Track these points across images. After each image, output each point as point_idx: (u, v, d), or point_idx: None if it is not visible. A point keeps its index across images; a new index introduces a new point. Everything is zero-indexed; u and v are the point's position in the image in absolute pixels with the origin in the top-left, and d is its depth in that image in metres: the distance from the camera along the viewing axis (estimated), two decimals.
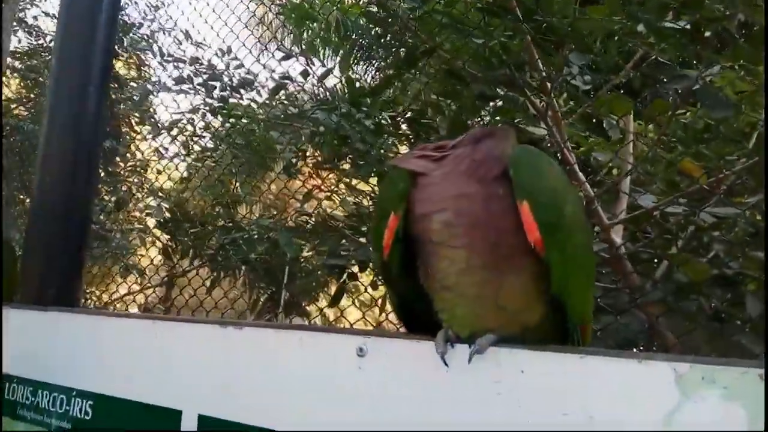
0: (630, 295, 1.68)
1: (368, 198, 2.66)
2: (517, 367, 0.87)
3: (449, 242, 0.86)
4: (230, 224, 3.04)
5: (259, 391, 1.13)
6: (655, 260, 2.04)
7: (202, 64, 3.44)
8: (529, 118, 2.20)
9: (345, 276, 2.45)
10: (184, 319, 1.32)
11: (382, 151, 2.83)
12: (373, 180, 2.80)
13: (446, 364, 0.92)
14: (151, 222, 4.04)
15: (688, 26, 1.41)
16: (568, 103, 2.38)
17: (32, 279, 1.75)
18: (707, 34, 1.43)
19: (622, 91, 2.30)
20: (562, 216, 0.84)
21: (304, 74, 2.91)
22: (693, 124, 2.08)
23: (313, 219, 2.79)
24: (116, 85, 3.94)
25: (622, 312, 1.67)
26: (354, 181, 2.93)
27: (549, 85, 1.75)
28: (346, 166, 2.91)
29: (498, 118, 2.00)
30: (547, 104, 1.76)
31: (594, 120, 2.33)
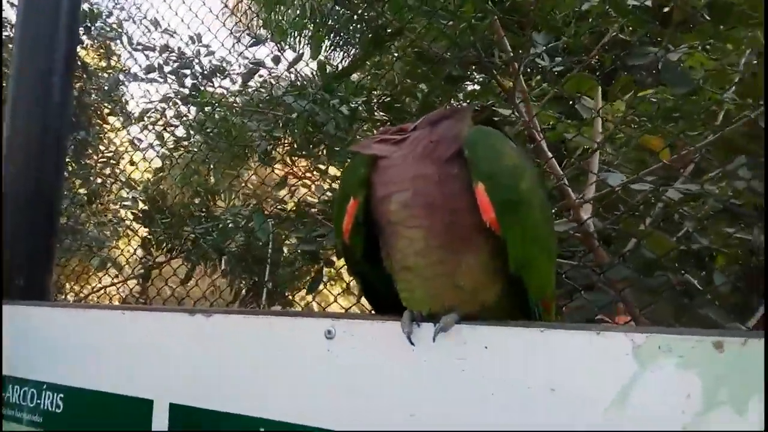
0: (598, 272, 1.70)
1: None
2: (481, 343, 0.88)
3: (407, 223, 0.87)
4: (204, 214, 3.01)
5: (229, 378, 1.13)
6: (623, 238, 2.06)
7: (172, 52, 3.39)
8: (500, 99, 2.20)
9: (321, 263, 2.45)
10: (153, 308, 1.31)
11: (357, 137, 2.82)
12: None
13: (412, 343, 0.92)
14: (125, 214, 3.99)
15: (649, 4, 1.41)
16: (540, 85, 2.39)
17: None
18: (668, 10, 1.44)
19: (597, 74, 2.31)
20: (517, 195, 0.84)
21: (275, 60, 2.88)
22: (661, 102, 2.10)
23: (289, 207, 2.78)
24: (85, 76, 3.86)
25: (590, 288, 1.69)
26: (330, 169, 2.92)
27: (515, 65, 1.75)
28: (320, 153, 2.90)
29: (469, 100, 2.00)
30: (514, 84, 1.76)
31: (569, 102, 2.35)
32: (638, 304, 1.73)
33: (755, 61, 1.98)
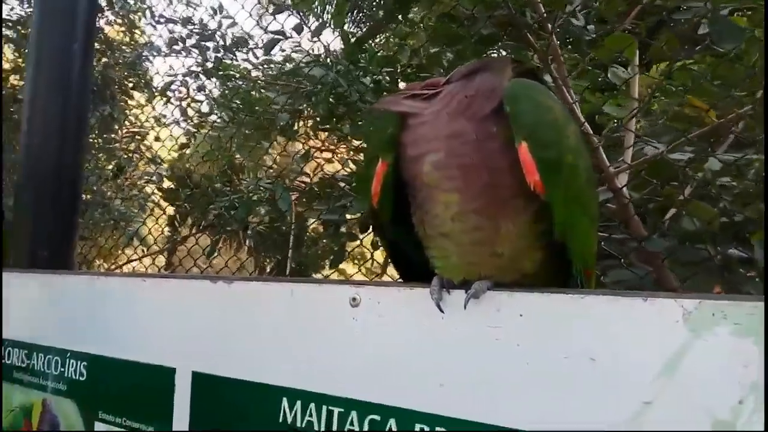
0: (637, 242, 1.63)
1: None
2: (516, 310, 0.83)
3: (441, 185, 0.81)
4: (228, 188, 2.99)
5: (251, 346, 1.10)
6: (660, 210, 1.98)
7: (194, 24, 3.35)
8: (529, 61, 2.12)
9: (344, 236, 2.41)
10: (175, 276, 1.29)
11: None
12: None
13: (442, 311, 0.88)
14: (150, 190, 4.00)
15: None
16: (572, 55, 2.29)
17: (23, 242, 1.71)
18: None
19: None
20: (564, 154, 0.78)
21: (298, 29, 2.81)
22: (698, 71, 2.00)
23: (314, 180, 2.74)
24: (109, 50, 3.85)
25: (627, 258, 1.62)
26: (353, 141, 2.87)
27: (549, 26, 1.67)
28: (346, 127, 2.84)
29: None
30: (548, 46, 1.68)
31: (602, 73, 2.25)
32: (676, 278, 1.66)
33: None
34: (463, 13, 1.74)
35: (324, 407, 0.99)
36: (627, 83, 1.89)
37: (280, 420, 1.03)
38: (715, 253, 1.66)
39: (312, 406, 1.00)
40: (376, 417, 0.93)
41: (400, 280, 1.13)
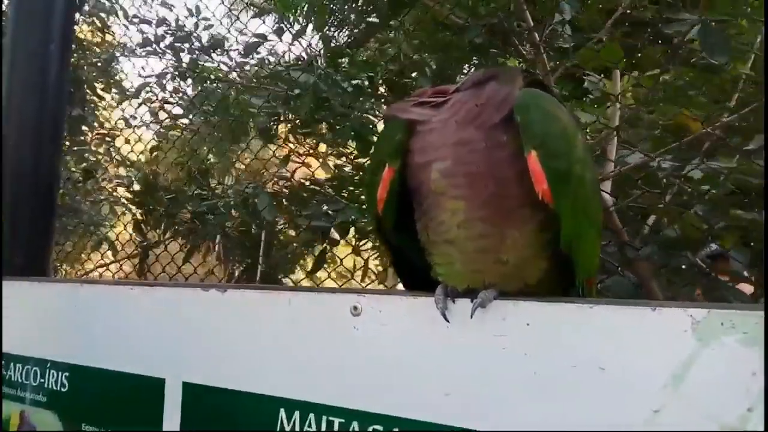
0: (621, 252, 1.66)
1: (350, 161, 2.59)
2: (523, 319, 0.83)
3: (448, 193, 0.81)
4: (204, 191, 2.94)
5: (247, 356, 1.08)
6: (640, 219, 2.02)
7: (169, 25, 3.28)
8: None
9: (326, 242, 2.40)
10: (164, 284, 1.26)
11: (360, 114, 2.76)
12: (353, 144, 2.73)
13: (447, 320, 0.87)
14: (121, 192, 3.91)
15: None
16: (550, 61, 2.33)
17: None
18: None
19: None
20: (572, 164, 0.78)
21: (279, 32, 2.79)
22: (675, 82, 2.04)
23: (291, 183, 2.72)
24: (80, 50, 3.75)
25: (621, 267, 1.65)
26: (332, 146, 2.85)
27: (536, 35, 1.69)
28: (325, 130, 2.82)
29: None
30: (536, 53, 1.70)
31: (578, 80, 2.28)
32: (659, 285, 1.69)
33: None
34: (454, 22, 1.74)
35: (324, 418, 0.97)
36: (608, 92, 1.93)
37: (278, 431, 1.01)
38: (695, 259, 1.70)
39: (311, 416, 0.99)
40: (379, 427, 0.92)
41: (401, 286, 1.12)
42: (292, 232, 3.20)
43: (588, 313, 0.79)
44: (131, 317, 1.25)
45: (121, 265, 3.96)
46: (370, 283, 3.07)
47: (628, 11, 2.15)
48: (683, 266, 1.67)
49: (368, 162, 2.62)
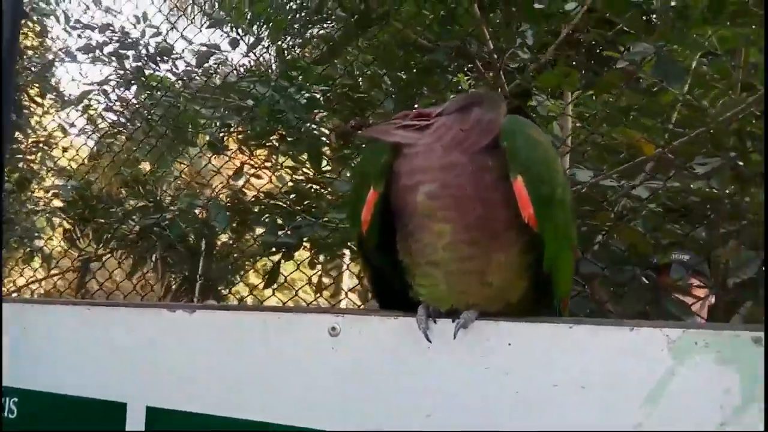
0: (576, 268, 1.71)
1: (305, 175, 2.58)
2: (504, 339, 0.85)
3: (435, 215, 0.82)
4: (151, 204, 2.85)
5: (217, 379, 1.05)
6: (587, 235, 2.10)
7: (114, 31, 3.18)
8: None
9: (280, 256, 2.37)
10: (126, 304, 1.21)
11: (313, 127, 2.75)
12: (304, 156, 2.71)
13: (429, 340, 0.88)
14: (58, 203, 3.73)
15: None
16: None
17: None
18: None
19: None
20: (555, 190, 0.82)
21: (233, 43, 2.75)
22: (616, 103, 2.14)
23: (243, 196, 2.67)
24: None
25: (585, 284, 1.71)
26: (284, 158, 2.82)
27: (496, 57, 1.74)
28: (277, 143, 2.79)
29: (450, 91, 1.97)
30: (495, 74, 1.75)
31: (526, 97, 2.36)
32: (607, 299, 1.76)
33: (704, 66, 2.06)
34: (422, 44, 1.77)
35: None
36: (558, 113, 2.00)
37: None
38: (642, 275, 1.78)
39: None
40: None
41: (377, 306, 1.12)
42: (243, 244, 3.14)
43: (568, 333, 0.81)
44: (88, 339, 1.20)
45: (56, 282, 3.77)
46: (317, 297, 3.05)
47: (576, 33, 2.25)
48: (628, 281, 1.75)
49: (320, 176, 2.62)
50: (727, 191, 1.84)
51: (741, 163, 1.86)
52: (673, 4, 1.49)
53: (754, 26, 1.49)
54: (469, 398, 0.85)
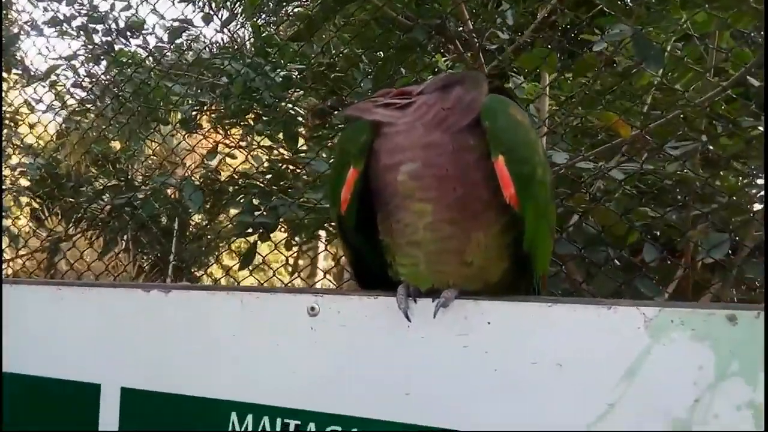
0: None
1: (281, 155, 2.55)
2: (484, 318, 0.85)
3: (416, 195, 0.81)
4: (122, 183, 2.79)
5: (194, 360, 1.04)
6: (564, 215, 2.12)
7: (82, 4, 3.08)
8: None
9: (256, 237, 2.35)
10: (99, 284, 1.18)
11: (289, 106, 2.71)
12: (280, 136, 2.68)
13: (409, 320, 0.88)
14: (25, 182, 3.63)
15: None
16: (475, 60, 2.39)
17: None
18: None
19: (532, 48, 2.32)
20: (536, 169, 0.82)
21: (206, 18, 2.69)
22: (593, 86, 2.16)
23: (217, 176, 2.63)
24: None
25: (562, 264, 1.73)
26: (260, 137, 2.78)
27: (475, 36, 1.73)
28: (252, 121, 2.75)
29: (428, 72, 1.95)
30: (474, 54, 1.74)
31: (503, 78, 2.36)
32: (581, 278, 1.79)
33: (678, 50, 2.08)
34: (401, 22, 1.75)
35: (279, 420, 0.96)
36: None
37: None
38: (615, 255, 1.81)
39: (265, 419, 0.97)
40: (338, 428, 0.91)
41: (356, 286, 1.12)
42: (217, 225, 3.10)
43: (547, 312, 0.82)
44: (61, 320, 1.17)
45: (24, 262, 3.68)
46: (293, 279, 3.03)
47: (553, 16, 2.25)
48: (601, 261, 1.77)
49: (296, 155, 2.59)
50: (699, 173, 1.87)
51: (711, 147, 1.89)
52: None
53: (729, 11, 1.50)
54: (448, 376, 0.86)
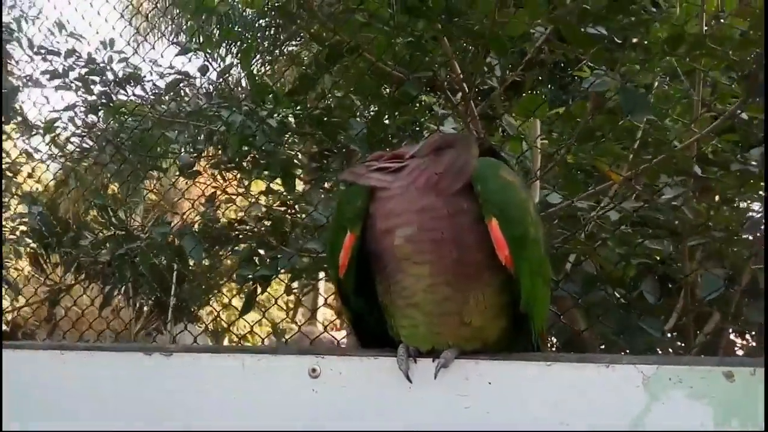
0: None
1: (279, 201, 2.56)
2: (484, 378, 0.86)
3: (413, 258, 0.83)
4: (123, 233, 2.80)
5: (197, 423, 1.03)
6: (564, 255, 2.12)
7: (80, 57, 3.13)
8: (437, 117, 2.22)
9: (255, 284, 2.34)
10: (100, 348, 1.18)
11: (287, 150, 2.74)
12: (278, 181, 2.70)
13: (410, 380, 0.89)
14: (24, 229, 3.64)
15: (604, 32, 1.47)
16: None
17: None
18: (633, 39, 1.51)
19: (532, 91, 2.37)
20: (528, 230, 0.83)
21: (203, 69, 2.74)
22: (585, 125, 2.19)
23: (217, 223, 2.64)
24: None
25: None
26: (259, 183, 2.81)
27: (465, 85, 1.77)
28: (249, 166, 2.78)
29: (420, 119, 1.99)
30: (466, 104, 1.77)
31: (495, 120, 2.40)
32: (582, 328, 1.79)
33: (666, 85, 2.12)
34: (396, 74, 1.79)
35: None
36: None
37: None
38: (614, 295, 1.82)
39: None
40: None
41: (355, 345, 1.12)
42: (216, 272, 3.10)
43: (546, 371, 0.83)
44: (60, 385, 1.17)
45: (18, 310, 3.67)
46: (304, 322, 3.03)
47: (541, 55, 2.29)
48: (600, 301, 1.78)
49: (292, 200, 2.61)
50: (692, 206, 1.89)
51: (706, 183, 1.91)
52: (635, 40, 1.54)
53: (709, 58, 1.54)
54: None
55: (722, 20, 1.79)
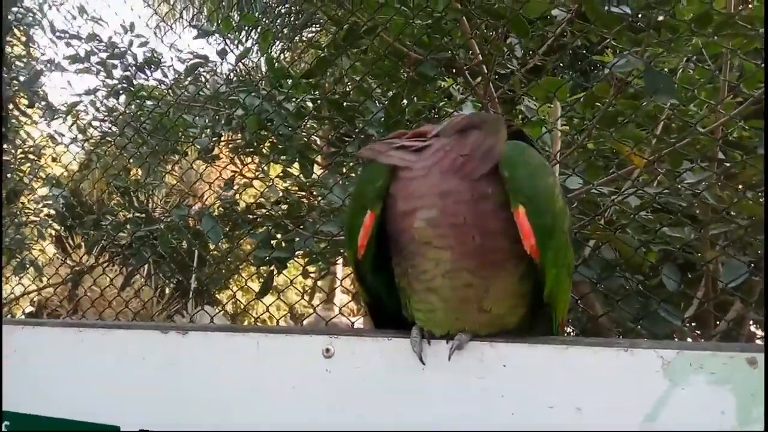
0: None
1: (297, 184, 2.56)
2: (500, 361, 0.85)
3: (434, 242, 0.80)
4: (143, 215, 2.83)
5: (211, 400, 1.04)
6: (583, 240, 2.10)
7: (101, 41, 3.15)
8: (455, 102, 2.20)
9: (272, 267, 2.35)
10: (118, 325, 1.20)
11: (304, 135, 2.73)
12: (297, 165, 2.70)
13: (423, 362, 0.88)
14: (48, 211, 3.70)
15: (628, 10, 1.43)
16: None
17: None
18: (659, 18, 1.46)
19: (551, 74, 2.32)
20: (556, 219, 0.80)
21: (222, 53, 2.73)
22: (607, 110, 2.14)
23: (240, 207, 2.66)
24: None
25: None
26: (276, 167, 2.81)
27: (485, 67, 1.74)
28: (267, 151, 2.78)
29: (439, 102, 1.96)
30: (485, 86, 1.74)
31: (512, 103, 2.36)
32: (600, 313, 1.77)
33: (691, 70, 2.06)
34: (414, 55, 1.76)
35: None
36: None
37: None
38: (633, 281, 1.79)
39: None
40: None
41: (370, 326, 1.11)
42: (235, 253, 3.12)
43: (563, 354, 0.81)
44: (79, 361, 1.18)
45: (39, 292, 3.73)
46: (320, 303, 3.03)
47: (563, 38, 2.25)
48: (619, 288, 1.75)
49: (310, 185, 2.61)
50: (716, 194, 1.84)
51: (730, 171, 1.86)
52: (660, 19, 1.49)
53: (739, 38, 1.49)
54: (464, 420, 0.85)
55: None
